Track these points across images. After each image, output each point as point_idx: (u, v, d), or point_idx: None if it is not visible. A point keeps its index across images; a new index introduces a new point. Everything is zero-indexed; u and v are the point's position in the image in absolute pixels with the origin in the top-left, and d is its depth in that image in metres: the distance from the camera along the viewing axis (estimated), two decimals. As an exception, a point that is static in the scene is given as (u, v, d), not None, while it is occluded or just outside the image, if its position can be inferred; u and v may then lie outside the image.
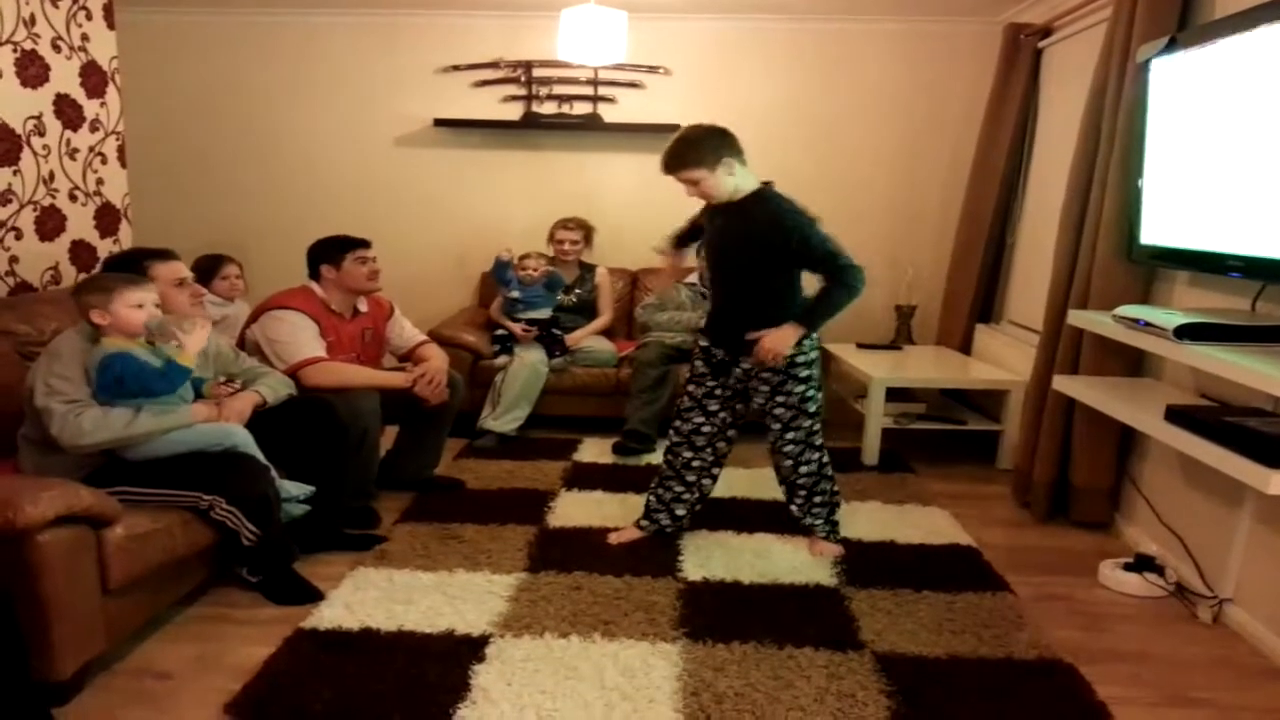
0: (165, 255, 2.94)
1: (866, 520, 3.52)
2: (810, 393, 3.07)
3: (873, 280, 5.19)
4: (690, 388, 3.19)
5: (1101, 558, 3.17)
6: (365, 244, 3.57)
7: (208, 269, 3.97)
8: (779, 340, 2.93)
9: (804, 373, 3.04)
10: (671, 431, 3.25)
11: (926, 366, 4.70)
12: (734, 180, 2.93)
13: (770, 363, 2.96)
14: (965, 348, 4.98)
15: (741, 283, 3.02)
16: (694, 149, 2.90)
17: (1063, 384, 3.28)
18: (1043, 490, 3.59)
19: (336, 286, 3.52)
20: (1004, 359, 4.54)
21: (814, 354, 3.07)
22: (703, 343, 3.17)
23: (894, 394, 4.36)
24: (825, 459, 3.19)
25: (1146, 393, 3.05)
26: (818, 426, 3.14)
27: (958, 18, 5.08)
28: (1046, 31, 4.55)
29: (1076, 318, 3.25)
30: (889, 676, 2.40)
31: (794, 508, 3.25)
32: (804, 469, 3.16)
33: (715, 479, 3.31)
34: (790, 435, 3.11)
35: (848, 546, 3.25)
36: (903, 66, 5.22)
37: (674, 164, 2.93)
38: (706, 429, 3.18)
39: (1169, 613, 2.88)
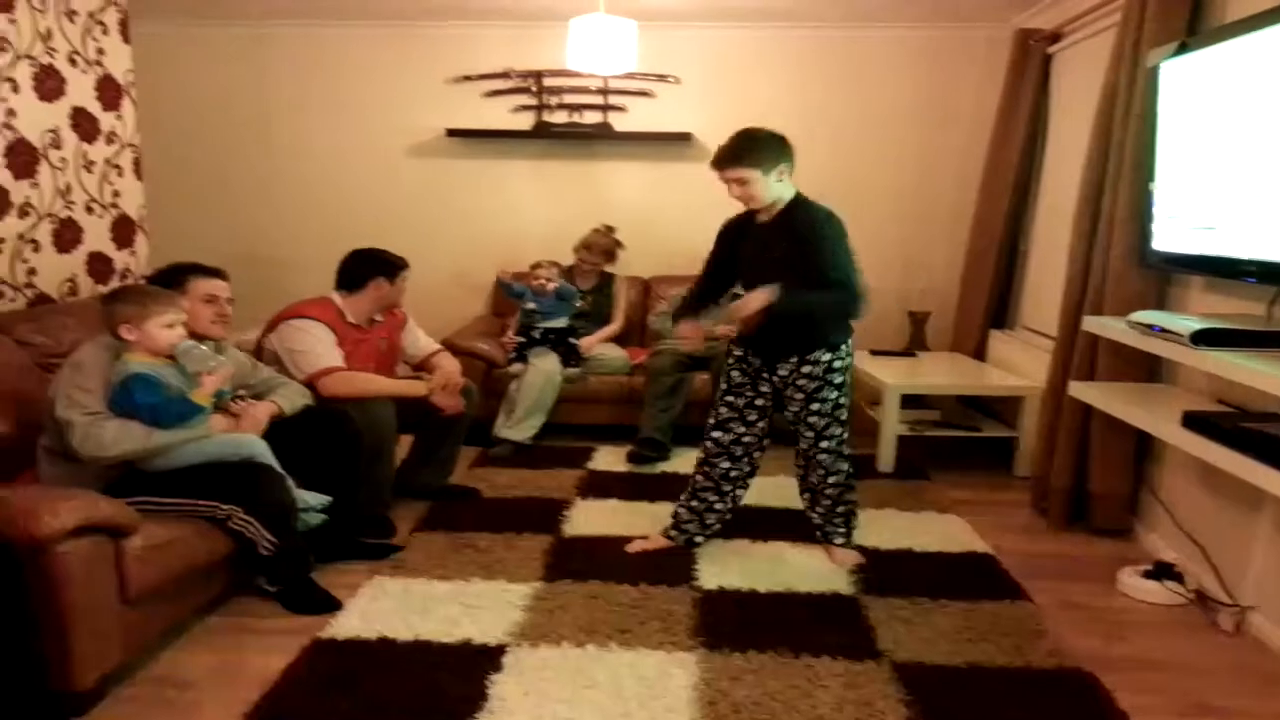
0: (212, 272, 2.95)
1: (883, 528, 3.50)
2: (843, 400, 3.07)
3: (885, 286, 5.30)
4: (730, 398, 3.14)
5: (1120, 565, 3.15)
6: (407, 265, 3.66)
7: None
8: (754, 299, 2.86)
9: (839, 379, 3.03)
10: (709, 443, 3.20)
11: (941, 373, 4.69)
12: (780, 188, 2.94)
13: (742, 316, 2.89)
14: (979, 354, 4.96)
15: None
16: (754, 148, 2.89)
17: (1079, 390, 3.27)
18: (1060, 497, 3.58)
19: (374, 301, 3.56)
20: (1019, 365, 4.53)
21: (849, 360, 3.06)
22: (737, 352, 3.14)
23: (909, 401, 4.35)
24: (852, 469, 3.19)
25: (1163, 399, 3.04)
26: (847, 435, 3.13)
27: (967, 24, 5.08)
28: (1056, 37, 4.55)
29: (1091, 324, 3.24)
30: (907, 686, 2.39)
31: (815, 516, 3.24)
32: (833, 479, 3.15)
33: (748, 488, 3.30)
34: (824, 444, 3.09)
35: (864, 555, 3.24)
36: (913, 73, 5.21)
37: (730, 160, 2.90)
38: (747, 439, 3.17)
39: (1189, 621, 2.86)
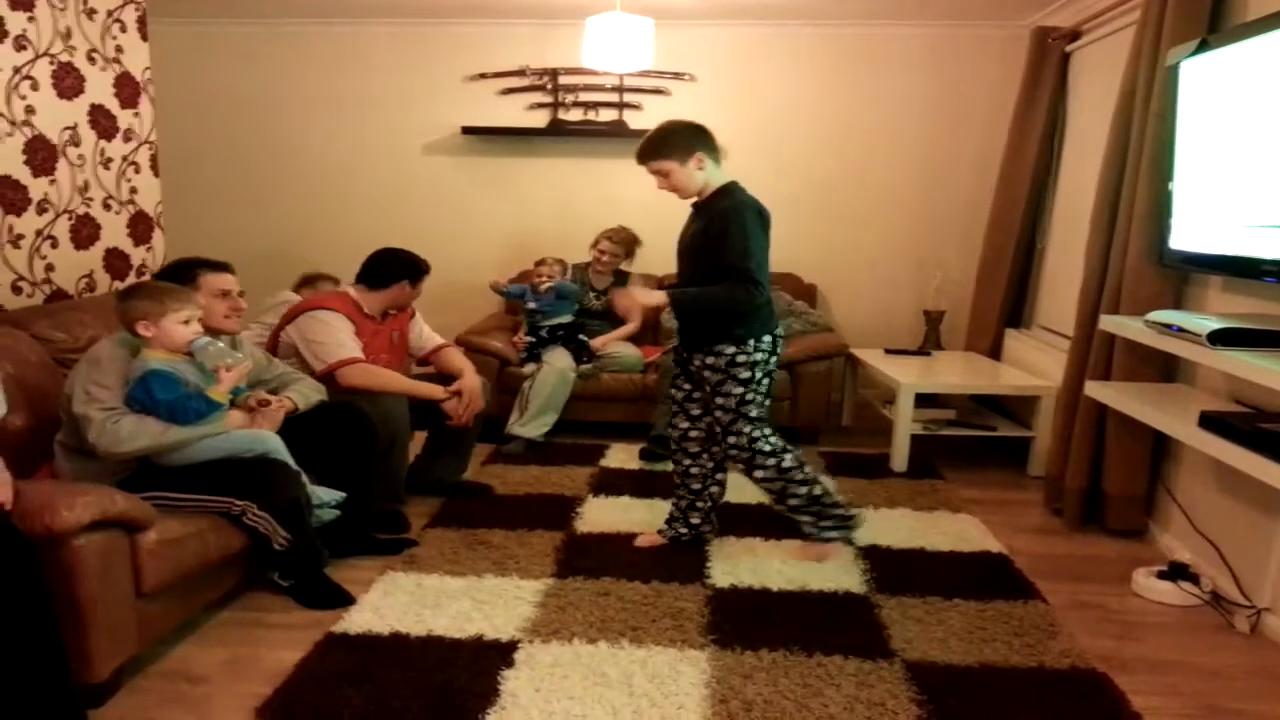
0: (219, 266, 2.96)
1: (896, 527, 3.49)
2: (751, 396, 2.98)
3: (900, 285, 5.29)
4: (672, 391, 3.20)
5: (1135, 566, 3.13)
6: (430, 270, 3.70)
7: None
8: (640, 294, 3.02)
9: (744, 374, 2.95)
10: (670, 440, 3.27)
11: (956, 372, 4.67)
12: (703, 176, 2.95)
13: (622, 306, 3.10)
14: (995, 353, 4.94)
15: (696, 280, 2.96)
16: (666, 140, 2.94)
17: (1095, 390, 3.25)
18: (1075, 497, 3.56)
19: (392, 299, 3.60)
20: (1034, 364, 4.50)
21: (758, 356, 2.96)
22: (675, 343, 3.18)
23: (923, 400, 4.33)
24: (786, 463, 3.04)
25: (1180, 399, 3.02)
26: (761, 433, 3.02)
27: (984, 21, 5.06)
28: (1074, 35, 4.52)
29: (1108, 323, 3.22)
30: (919, 685, 2.38)
31: (781, 508, 3.15)
32: (758, 474, 3.05)
33: (723, 485, 3.29)
34: (730, 439, 3.03)
35: (877, 554, 3.23)
36: (929, 71, 5.20)
37: (646, 153, 2.96)
38: (694, 433, 3.18)
39: (1205, 622, 2.84)
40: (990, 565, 3.19)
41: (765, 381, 3.03)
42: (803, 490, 3.09)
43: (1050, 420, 4.01)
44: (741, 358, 2.95)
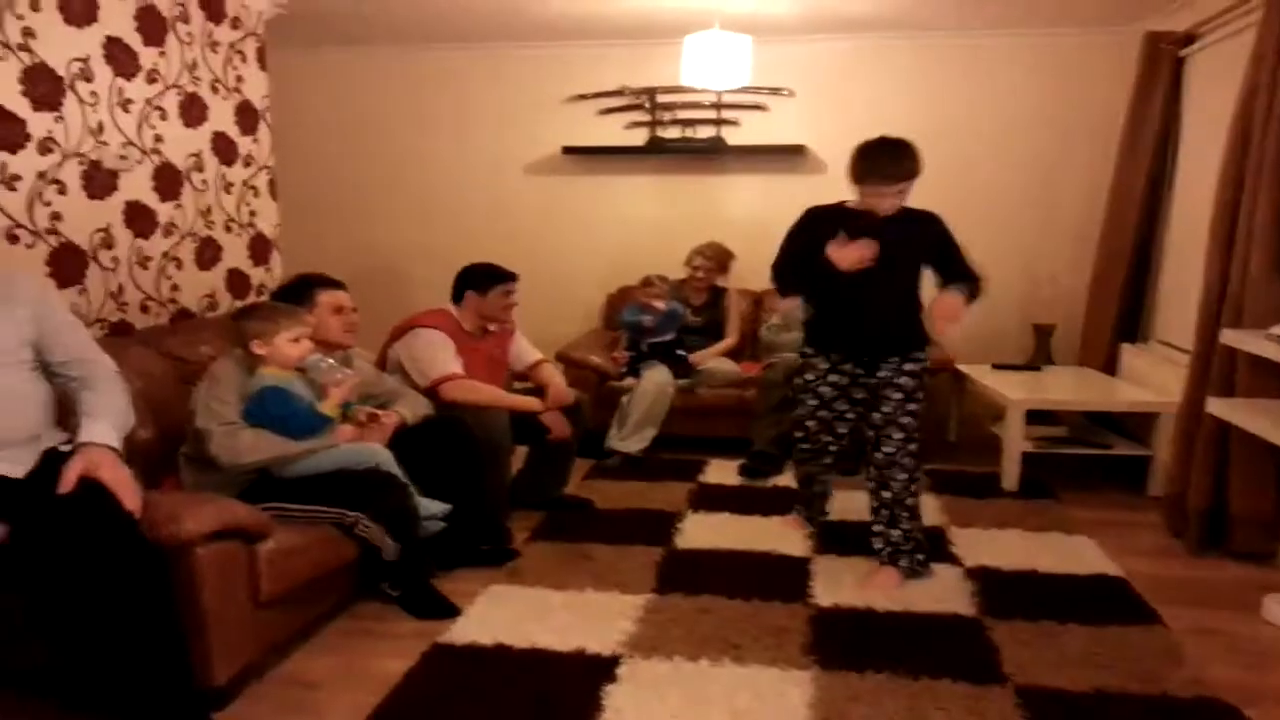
0: (333, 284, 3.11)
1: (1006, 548, 3.39)
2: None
3: (1009, 298, 5.15)
4: (822, 413, 3.21)
5: (1264, 591, 2.96)
6: (513, 278, 3.70)
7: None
8: (952, 306, 2.91)
9: (925, 380, 3.07)
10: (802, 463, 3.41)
11: (1068, 388, 4.52)
12: None
13: (945, 326, 2.94)
14: (1109, 368, 4.76)
15: (897, 289, 3.02)
16: (917, 157, 2.94)
17: (1217, 407, 3.11)
18: (1197, 519, 3.40)
19: (475, 312, 3.65)
20: (1152, 380, 4.33)
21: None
22: (823, 365, 3.16)
23: (1034, 417, 4.20)
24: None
25: (1311, 416, 2.87)
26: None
27: (1092, 27, 4.91)
28: (1189, 39, 4.35)
29: (1229, 337, 3.08)
30: (1032, 711, 2.30)
31: (895, 533, 3.09)
32: (914, 487, 3.10)
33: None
34: (911, 446, 3.05)
35: (985, 574, 3.15)
36: (1034, 78, 5.07)
37: (909, 174, 2.93)
38: (834, 448, 3.28)
39: (1342, 653, 2.69)
40: (1107, 588, 3.07)
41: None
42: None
43: (1170, 438, 3.84)
44: (927, 363, 3.10)
